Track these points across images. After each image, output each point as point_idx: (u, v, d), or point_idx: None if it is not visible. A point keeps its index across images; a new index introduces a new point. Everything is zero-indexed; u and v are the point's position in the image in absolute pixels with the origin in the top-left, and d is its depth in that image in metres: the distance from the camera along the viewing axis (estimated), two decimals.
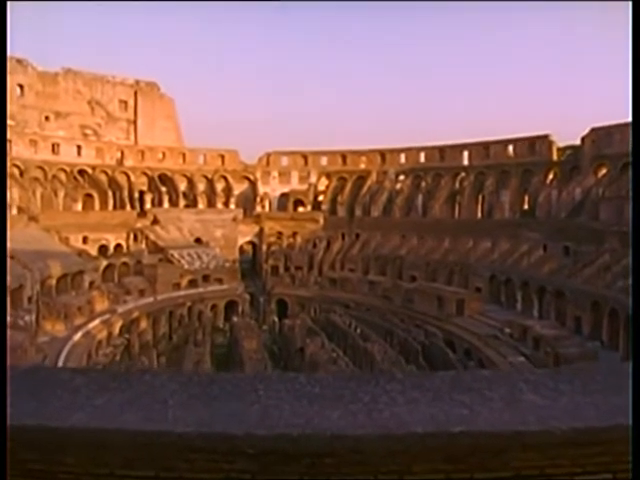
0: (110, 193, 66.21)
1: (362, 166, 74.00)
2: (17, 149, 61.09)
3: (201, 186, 73.94)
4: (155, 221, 64.07)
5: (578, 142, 55.44)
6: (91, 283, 48.84)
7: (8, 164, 55.39)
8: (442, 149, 67.98)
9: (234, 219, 68.87)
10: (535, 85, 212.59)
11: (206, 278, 57.11)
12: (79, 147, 67.98)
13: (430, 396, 2.69)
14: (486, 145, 64.36)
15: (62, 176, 64.48)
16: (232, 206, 72.49)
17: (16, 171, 58.74)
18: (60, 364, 31.89)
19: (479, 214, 62.86)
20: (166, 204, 69.60)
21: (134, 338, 43.86)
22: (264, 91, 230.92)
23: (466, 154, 66.02)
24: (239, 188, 74.74)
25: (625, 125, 45.58)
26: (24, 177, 59.52)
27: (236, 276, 60.76)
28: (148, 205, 67.83)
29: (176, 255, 57.87)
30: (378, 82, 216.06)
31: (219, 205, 72.84)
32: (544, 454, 2.40)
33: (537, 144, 59.52)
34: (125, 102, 77.43)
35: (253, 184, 75.18)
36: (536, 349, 35.33)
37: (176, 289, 53.70)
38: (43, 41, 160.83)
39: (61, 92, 71.55)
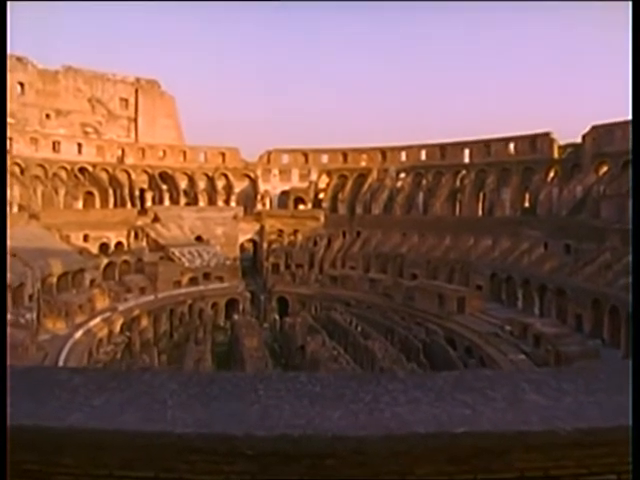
0: (111, 191, 66.20)
1: (363, 164, 73.93)
2: (18, 147, 61.06)
3: (202, 184, 73.92)
4: (156, 219, 64.07)
5: (579, 140, 55.36)
6: (92, 281, 48.85)
7: (9, 162, 55.41)
8: (443, 147, 67.90)
9: (235, 217, 68.85)
10: (536, 83, 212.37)
11: (207, 276, 57.12)
12: (80, 145, 67.95)
13: (432, 396, 2.66)
14: (487, 143, 64.27)
15: (63, 174, 64.46)
16: (233, 204, 72.48)
17: (17, 169, 58.73)
18: (61, 362, 31.92)
19: (480, 212, 62.81)
20: (167, 202, 69.58)
21: (135, 336, 43.88)
22: (265, 89, 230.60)
23: (467, 152, 65.94)
24: (240, 186, 74.70)
25: (626, 123, 45.46)
26: (25, 175, 59.51)
27: (237, 274, 60.76)
28: (149, 203, 67.82)
29: (177, 253, 57.87)
30: (379, 80, 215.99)
31: (220, 203, 72.84)
32: (548, 455, 2.37)
33: (538, 142, 59.43)
34: (126, 100, 77.38)
35: (254, 182, 75.14)
36: (537, 347, 35.32)
37: (177, 287, 53.72)
38: (43, 39, 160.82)
39: (61, 90, 71.50)
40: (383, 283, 54.77)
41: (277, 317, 56.04)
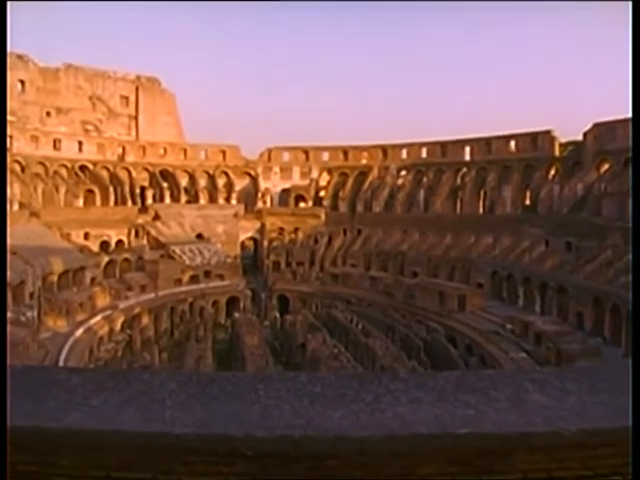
0: (111, 189, 66.19)
1: (364, 161, 73.89)
2: (18, 145, 61.07)
3: (202, 182, 73.91)
4: (156, 217, 64.07)
5: (580, 137, 55.29)
6: (92, 279, 48.87)
7: (9, 160, 55.41)
8: (444, 144, 67.85)
9: (235, 215, 68.85)
10: (537, 80, 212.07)
11: (207, 274, 57.13)
12: (80, 143, 67.96)
13: (434, 396, 2.63)
14: (488, 140, 64.20)
15: (63, 172, 64.45)
16: (233, 202, 72.47)
17: (17, 167, 58.73)
18: (62, 360, 31.94)
19: (481, 210, 62.77)
20: (167, 200, 69.58)
21: (136, 334, 43.93)
22: (265, 87, 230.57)
23: (468, 149, 65.90)
24: (240, 184, 74.68)
25: (628, 120, 45.33)
26: (25, 173, 59.51)
27: (237, 272, 60.77)
28: (149, 201, 67.82)
29: (177, 251, 57.88)
30: (379, 78, 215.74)
31: (220, 201, 72.83)
32: (552, 456, 2.34)
33: (539, 139, 59.38)
34: (126, 98, 77.32)
35: (254, 180, 75.12)
36: (538, 345, 35.31)
37: (177, 285, 53.75)
38: (44, 37, 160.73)
39: (62, 88, 71.45)
40: (384, 281, 54.77)
41: (278, 315, 56.06)
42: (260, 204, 72.86)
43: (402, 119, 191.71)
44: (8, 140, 58.01)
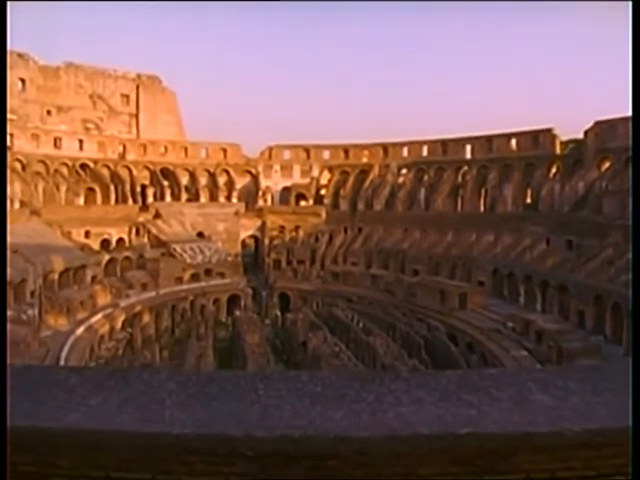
0: (112, 187, 66.18)
1: (364, 160, 73.81)
2: (19, 143, 61.05)
3: (203, 180, 73.88)
4: (157, 215, 64.08)
5: (581, 136, 55.17)
6: (93, 277, 48.89)
7: (10, 158, 55.40)
8: (445, 143, 67.76)
9: (236, 213, 68.84)
10: (538, 78, 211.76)
11: (208, 272, 57.15)
12: (81, 141, 67.94)
13: (436, 396, 2.61)
14: (489, 139, 64.11)
15: (64, 170, 64.44)
16: (234, 200, 72.43)
17: (18, 165, 58.72)
18: (63, 358, 31.97)
19: (482, 208, 62.70)
20: (168, 198, 69.58)
21: (137, 332, 43.95)
22: (266, 85, 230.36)
23: (469, 148, 65.81)
24: (241, 182, 74.65)
25: (629, 118, 45.23)
26: (26, 171, 59.50)
27: (238, 270, 60.78)
28: (150, 199, 67.84)
29: (178, 249, 57.90)
30: (380, 76, 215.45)
31: (221, 199, 72.81)
32: (555, 456, 2.32)
33: (540, 137, 59.29)
34: (127, 96, 77.29)
35: (255, 178, 75.08)
36: (539, 343, 35.28)
37: (178, 283, 53.77)
38: (44, 35, 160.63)
39: (63, 86, 71.43)
40: (385, 279, 54.75)
41: (279, 313, 56.08)
42: (261, 202, 72.83)
43: (403, 117, 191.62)
44: (9, 138, 58.01)
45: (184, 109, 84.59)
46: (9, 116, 59.71)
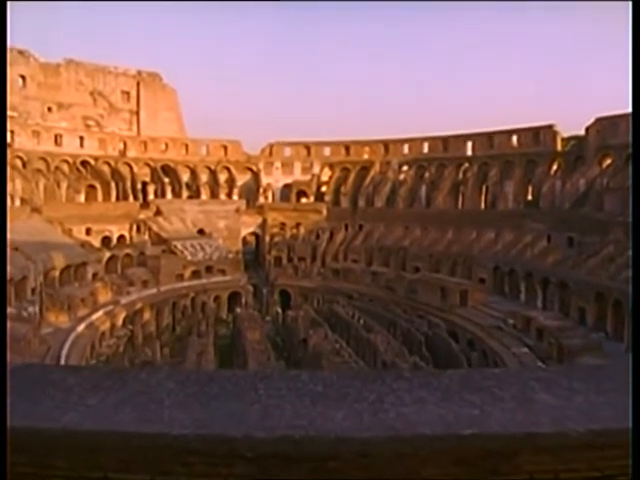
0: (113, 184, 66.17)
1: (365, 157, 73.75)
2: (20, 140, 61.03)
3: (204, 177, 73.86)
4: (158, 212, 64.06)
5: (582, 132, 55.06)
6: (94, 274, 48.91)
7: (11, 155, 55.37)
8: (445, 139, 67.65)
9: (237, 210, 68.81)
10: (539, 75, 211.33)
11: (209, 269, 57.16)
12: (82, 138, 67.90)
13: (438, 396, 2.58)
14: (490, 135, 64.01)
15: (65, 167, 64.42)
16: (235, 197, 72.43)
17: (19, 162, 58.71)
18: (63, 355, 31.99)
19: (483, 205, 62.64)
20: (169, 195, 69.57)
21: (137, 329, 43.98)
22: (266, 82, 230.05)
23: (470, 144, 65.70)
24: (242, 179, 74.62)
25: (630, 115, 45.16)
26: (27, 168, 59.48)
27: (239, 267, 60.78)
28: (151, 196, 67.83)
29: (179, 246, 57.89)
30: (381, 73, 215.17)
31: (222, 196, 72.80)
32: (558, 457, 2.29)
33: (541, 134, 59.17)
34: (127, 93, 77.19)
35: (256, 175, 75.04)
36: (540, 340, 35.26)
37: (179, 280, 53.79)
38: (45, 32, 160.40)
39: (63, 83, 71.34)
40: (385, 276, 54.73)
41: (279, 310, 56.10)
42: (262, 199, 72.81)
43: (404, 114, 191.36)
44: (9, 135, 57.97)
45: (185, 106, 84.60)
46: (9, 113, 59.62)
